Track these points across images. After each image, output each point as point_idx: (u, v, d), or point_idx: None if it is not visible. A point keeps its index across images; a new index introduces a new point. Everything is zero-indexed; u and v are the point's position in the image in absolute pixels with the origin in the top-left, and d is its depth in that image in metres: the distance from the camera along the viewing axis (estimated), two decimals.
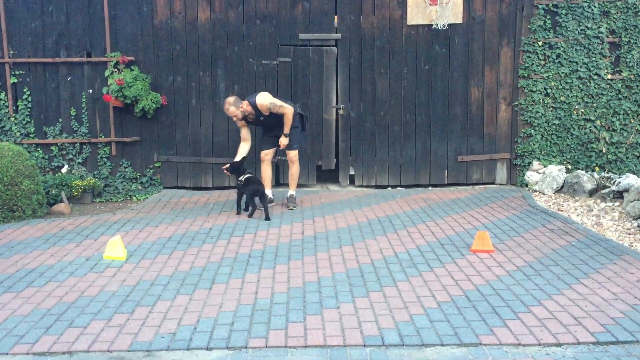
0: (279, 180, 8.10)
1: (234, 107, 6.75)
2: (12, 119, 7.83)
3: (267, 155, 7.09)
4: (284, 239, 5.83)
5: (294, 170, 7.18)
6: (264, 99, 6.75)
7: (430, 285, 4.60)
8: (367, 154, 8.24)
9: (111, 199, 7.83)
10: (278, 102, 6.79)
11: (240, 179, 6.70)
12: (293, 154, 7.10)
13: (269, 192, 7.09)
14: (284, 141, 6.94)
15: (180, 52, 7.94)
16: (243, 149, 6.97)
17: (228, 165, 6.82)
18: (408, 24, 8.00)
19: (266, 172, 7.13)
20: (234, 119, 6.87)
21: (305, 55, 7.99)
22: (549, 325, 3.88)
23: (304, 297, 4.35)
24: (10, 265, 5.09)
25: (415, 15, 7.97)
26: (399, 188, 8.30)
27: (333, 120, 8.18)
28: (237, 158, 6.91)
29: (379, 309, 4.14)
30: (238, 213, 6.76)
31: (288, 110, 6.81)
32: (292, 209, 6.96)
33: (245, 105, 6.75)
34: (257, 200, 6.70)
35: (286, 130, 6.90)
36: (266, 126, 7.05)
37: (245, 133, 7.01)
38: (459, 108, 8.19)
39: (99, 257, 5.31)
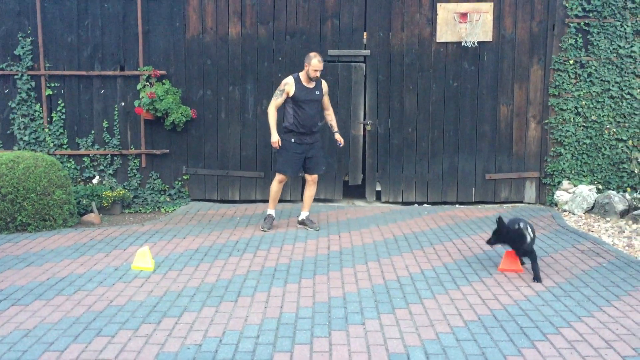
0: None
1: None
2: (47, 130, 8.01)
3: (286, 179, 6.84)
4: (309, 254, 5.83)
5: (314, 191, 6.91)
6: (326, 83, 6.88)
7: (457, 303, 4.55)
8: (394, 170, 8.22)
9: (140, 210, 7.94)
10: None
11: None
12: (316, 177, 6.88)
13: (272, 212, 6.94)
14: (340, 138, 6.86)
15: (211, 67, 8.06)
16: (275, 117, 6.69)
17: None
18: (437, 41, 8.00)
19: (279, 192, 6.91)
20: (318, 74, 6.55)
21: (334, 71, 8.04)
22: (579, 348, 3.81)
23: (329, 312, 4.34)
24: (41, 273, 5.18)
25: (445, 33, 7.97)
26: (425, 205, 8.25)
27: (360, 136, 8.19)
28: (272, 123, 6.55)
29: (404, 326, 4.11)
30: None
31: (331, 107, 6.97)
32: (318, 230, 6.73)
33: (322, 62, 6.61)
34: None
35: (336, 127, 6.94)
36: (309, 112, 6.62)
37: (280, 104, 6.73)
38: (487, 125, 8.15)
39: (128, 267, 5.38)
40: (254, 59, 8.06)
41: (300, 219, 6.88)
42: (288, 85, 6.61)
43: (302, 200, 7.15)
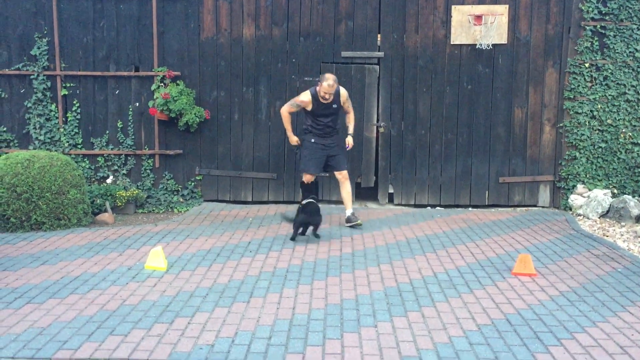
0: (322, 195, 8.09)
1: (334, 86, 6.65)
2: (62, 129, 8.07)
3: (312, 177, 6.99)
4: (321, 255, 5.83)
5: (349, 187, 7.07)
6: (345, 90, 6.92)
7: (470, 307, 4.52)
8: (407, 173, 8.20)
9: (153, 210, 7.98)
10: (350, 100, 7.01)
11: (303, 202, 6.51)
12: (346, 173, 7.04)
13: None
14: (350, 141, 6.97)
15: (225, 68, 8.08)
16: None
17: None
18: (451, 43, 7.97)
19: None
20: (327, 96, 6.63)
21: (348, 73, 8.03)
22: (594, 353, 3.77)
23: (342, 314, 4.33)
24: (55, 272, 5.22)
25: (459, 35, 7.94)
26: (438, 208, 8.22)
27: (373, 138, 8.18)
28: (287, 127, 6.99)
29: (417, 329, 4.09)
30: (293, 239, 6.35)
31: (352, 110, 7.04)
32: (361, 225, 6.89)
33: (334, 86, 6.66)
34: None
35: (351, 130, 7.02)
36: (326, 121, 6.81)
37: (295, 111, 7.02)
38: (501, 128, 8.10)
39: (141, 266, 5.40)
40: (267, 61, 8.07)
41: (347, 217, 7.02)
42: (305, 102, 6.80)
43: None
